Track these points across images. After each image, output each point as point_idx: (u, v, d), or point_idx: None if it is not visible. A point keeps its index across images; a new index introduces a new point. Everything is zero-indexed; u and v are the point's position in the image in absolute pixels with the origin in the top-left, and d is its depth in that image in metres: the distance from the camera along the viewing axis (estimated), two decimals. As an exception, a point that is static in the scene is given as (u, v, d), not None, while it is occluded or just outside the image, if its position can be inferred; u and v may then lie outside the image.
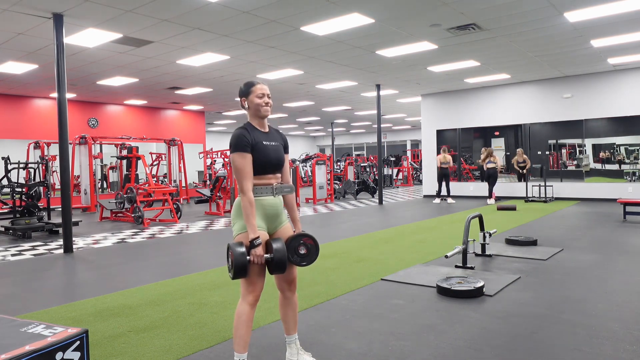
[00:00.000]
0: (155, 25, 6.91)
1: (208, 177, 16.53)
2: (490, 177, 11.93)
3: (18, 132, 12.70)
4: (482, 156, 11.98)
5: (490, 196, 12.01)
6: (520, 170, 12.46)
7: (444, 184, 12.61)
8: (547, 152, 12.51)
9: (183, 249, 6.46)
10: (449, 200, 12.58)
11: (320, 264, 5.03)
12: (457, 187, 13.98)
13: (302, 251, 2.36)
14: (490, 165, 11.85)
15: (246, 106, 2.39)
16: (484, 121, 13.47)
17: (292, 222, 2.51)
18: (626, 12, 6.85)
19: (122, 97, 13.51)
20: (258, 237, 2.22)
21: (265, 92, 2.37)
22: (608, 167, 11.61)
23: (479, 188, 13.46)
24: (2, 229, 7.93)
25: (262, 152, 2.31)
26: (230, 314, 3.41)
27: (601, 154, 11.66)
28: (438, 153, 14.32)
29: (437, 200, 12.49)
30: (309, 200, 13.66)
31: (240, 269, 2.20)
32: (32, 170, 10.10)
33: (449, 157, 12.36)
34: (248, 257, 2.21)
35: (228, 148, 2.37)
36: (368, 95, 14.30)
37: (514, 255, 5.27)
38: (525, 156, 12.32)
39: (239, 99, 2.43)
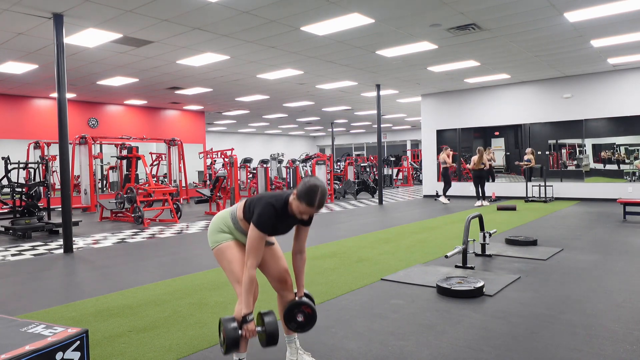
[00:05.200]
0: (155, 25, 6.91)
1: (208, 177, 16.54)
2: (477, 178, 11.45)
3: (18, 132, 12.70)
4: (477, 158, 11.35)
5: (480, 197, 11.51)
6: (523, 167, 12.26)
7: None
8: (547, 152, 12.51)
9: (183, 249, 6.46)
10: (443, 200, 12.34)
11: (320, 264, 5.04)
12: (457, 187, 13.98)
13: (300, 319, 2.38)
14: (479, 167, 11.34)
15: (291, 200, 2.27)
16: (484, 121, 13.47)
17: (296, 285, 2.49)
18: (626, 12, 6.84)
19: (122, 97, 13.51)
20: (251, 313, 2.23)
21: (310, 215, 2.29)
22: (611, 167, 11.60)
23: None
24: (2, 229, 7.93)
25: (277, 228, 2.32)
26: (230, 314, 3.40)
27: (611, 154, 11.56)
28: (439, 153, 14.33)
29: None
30: (309, 200, 13.63)
31: (232, 344, 2.21)
32: (32, 170, 10.10)
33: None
34: (240, 332, 2.22)
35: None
36: (368, 95, 14.30)
37: (514, 255, 5.27)
38: (531, 156, 12.12)
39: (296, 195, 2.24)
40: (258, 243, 2.23)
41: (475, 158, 11.40)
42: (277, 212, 2.26)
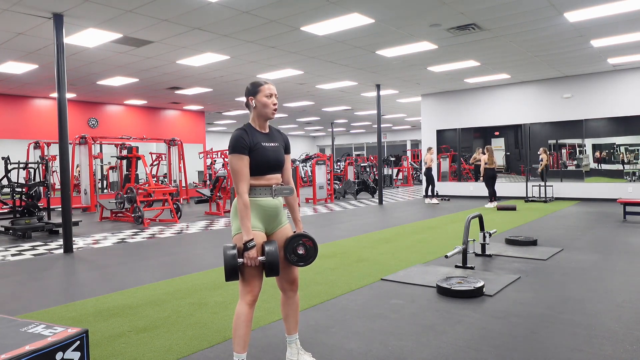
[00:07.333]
0: (155, 25, 6.91)
1: (208, 177, 16.54)
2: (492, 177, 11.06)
3: (18, 132, 12.70)
4: (486, 156, 10.92)
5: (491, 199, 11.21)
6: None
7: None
8: (547, 152, 12.50)
9: (183, 249, 6.46)
10: (434, 201, 12.31)
11: (320, 264, 5.03)
12: (457, 187, 13.98)
13: (300, 251, 2.35)
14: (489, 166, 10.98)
15: (253, 105, 2.36)
16: (484, 121, 13.47)
17: (293, 222, 2.51)
18: (626, 12, 6.85)
19: (122, 97, 13.51)
20: (252, 240, 2.22)
21: (273, 92, 2.36)
22: (611, 167, 11.59)
23: (479, 188, 13.44)
24: (2, 229, 7.93)
25: (261, 153, 2.30)
26: (230, 314, 3.41)
27: (609, 154, 11.52)
28: (439, 153, 14.32)
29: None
30: (309, 200, 13.66)
31: (230, 271, 2.19)
32: (32, 170, 10.10)
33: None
34: (240, 260, 2.21)
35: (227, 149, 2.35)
36: (368, 95, 14.29)
37: (514, 255, 5.27)
38: (545, 155, 11.81)
39: (244, 98, 2.41)
40: (240, 167, 2.25)
41: (485, 157, 10.91)
42: (245, 132, 2.30)
